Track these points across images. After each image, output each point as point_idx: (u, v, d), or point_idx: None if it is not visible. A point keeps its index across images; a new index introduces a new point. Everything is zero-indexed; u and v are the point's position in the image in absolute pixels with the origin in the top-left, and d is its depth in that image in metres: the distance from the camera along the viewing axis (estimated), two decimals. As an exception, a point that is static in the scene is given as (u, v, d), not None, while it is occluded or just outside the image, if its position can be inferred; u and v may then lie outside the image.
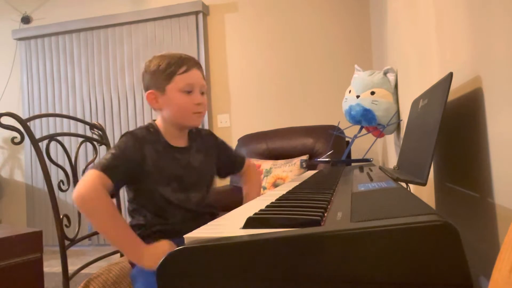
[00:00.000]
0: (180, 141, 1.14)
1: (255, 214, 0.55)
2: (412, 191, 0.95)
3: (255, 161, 2.54)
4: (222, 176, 1.31)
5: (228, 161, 1.29)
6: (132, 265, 1.08)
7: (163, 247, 0.95)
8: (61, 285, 1.19)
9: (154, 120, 1.16)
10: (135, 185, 1.09)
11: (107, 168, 0.98)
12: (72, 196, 0.96)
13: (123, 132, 3.76)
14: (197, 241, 0.48)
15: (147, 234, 1.07)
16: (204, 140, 1.21)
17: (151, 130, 1.11)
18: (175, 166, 1.10)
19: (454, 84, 0.77)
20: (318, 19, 3.16)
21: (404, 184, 0.97)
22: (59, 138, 1.34)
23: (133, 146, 1.05)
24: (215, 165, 1.24)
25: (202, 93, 1.12)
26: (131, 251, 0.97)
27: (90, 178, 0.97)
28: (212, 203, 1.21)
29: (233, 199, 1.26)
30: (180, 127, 1.13)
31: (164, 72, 1.08)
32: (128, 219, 1.15)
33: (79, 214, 1.34)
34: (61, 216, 1.21)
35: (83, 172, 1.43)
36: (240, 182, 1.36)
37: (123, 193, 1.18)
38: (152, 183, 1.07)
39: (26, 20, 3.74)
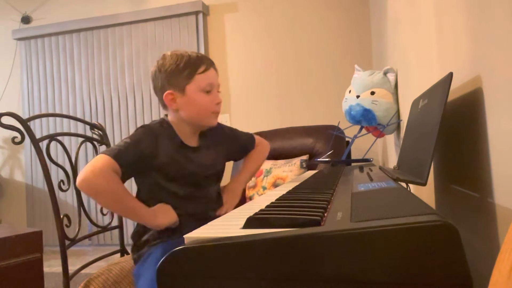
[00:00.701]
0: (192, 141, 1.15)
1: (255, 214, 0.55)
2: (412, 191, 0.95)
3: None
4: (237, 160, 1.38)
5: (240, 147, 1.32)
6: (135, 262, 1.08)
7: (165, 206, 1.06)
8: (61, 285, 1.19)
9: (166, 115, 1.15)
10: (143, 178, 1.10)
11: (118, 154, 0.98)
12: (77, 180, 0.96)
13: (123, 132, 3.76)
14: (197, 241, 0.48)
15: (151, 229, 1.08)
16: (212, 136, 1.21)
17: (164, 126, 1.11)
18: (188, 165, 1.11)
19: (454, 84, 0.77)
20: (318, 19, 3.16)
21: (404, 184, 0.97)
22: (59, 138, 1.34)
23: (148, 139, 1.05)
24: (228, 155, 1.27)
25: (218, 92, 1.13)
26: (144, 219, 1.03)
27: (98, 163, 0.96)
28: (220, 196, 1.23)
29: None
30: (196, 127, 1.13)
31: (184, 72, 1.06)
32: None
33: (79, 214, 1.34)
34: (61, 216, 1.21)
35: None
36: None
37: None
38: (162, 178, 1.07)
39: (26, 20, 3.74)
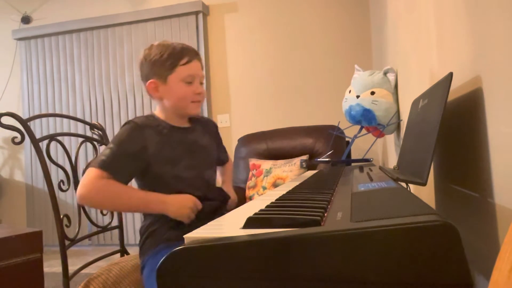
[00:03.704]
0: (182, 124, 1.18)
1: (255, 214, 0.55)
2: (412, 191, 0.95)
3: (255, 161, 2.54)
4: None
5: (220, 153, 1.35)
6: (142, 253, 1.08)
7: (186, 199, 1.03)
8: (61, 285, 1.19)
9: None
10: (144, 174, 1.09)
11: (105, 165, 1.00)
12: (76, 197, 1.00)
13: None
14: (197, 241, 0.48)
15: (163, 223, 1.07)
16: (206, 125, 1.26)
17: (150, 118, 1.14)
18: (183, 144, 1.13)
19: (454, 84, 0.77)
20: (318, 19, 3.16)
21: (404, 184, 0.97)
22: (59, 138, 1.34)
23: (132, 134, 1.06)
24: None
25: (201, 83, 1.16)
26: (154, 209, 1.04)
27: (88, 178, 0.99)
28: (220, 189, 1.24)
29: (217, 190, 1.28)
30: (180, 115, 1.17)
31: (166, 62, 1.09)
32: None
33: (79, 214, 1.34)
34: (61, 216, 1.21)
35: (83, 172, 1.43)
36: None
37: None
38: (160, 166, 1.08)
39: (26, 20, 3.74)
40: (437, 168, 1.03)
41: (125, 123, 1.10)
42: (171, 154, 1.09)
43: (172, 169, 1.09)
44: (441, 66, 0.95)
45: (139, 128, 1.07)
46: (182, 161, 1.10)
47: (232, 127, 3.30)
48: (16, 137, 1.14)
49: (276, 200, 0.71)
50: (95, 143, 1.50)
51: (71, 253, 1.21)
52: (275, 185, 2.34)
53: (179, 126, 1.15)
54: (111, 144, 1.05)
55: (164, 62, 1.09)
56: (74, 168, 1.36)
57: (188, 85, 1.11)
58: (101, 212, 1.46)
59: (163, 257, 0.47)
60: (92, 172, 0.99)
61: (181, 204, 1.02)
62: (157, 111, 1.17)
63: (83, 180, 0.99)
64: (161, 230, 1.06)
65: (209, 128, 1.27)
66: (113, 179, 1.00)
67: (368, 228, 0.42)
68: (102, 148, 1.55)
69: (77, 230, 1.31)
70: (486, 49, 0.64)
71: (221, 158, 1.37)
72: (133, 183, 1.12)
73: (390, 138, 2.12)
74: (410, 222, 0.41)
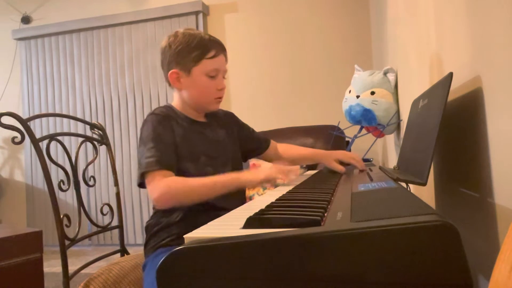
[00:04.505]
0: (199, 118, 1.15)
1: (255, 214, 0.56)
2: (412, 191, 0.95)
3: (255, 161, 2.54)
4: (245, 157, 1.29)
5: (251, 139, 1.29)
6: (147, 253, 1.07)
7: (264, 167, 0.98)
8: (61, 285, 1.19)
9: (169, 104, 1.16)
10: None
11: (160, 163, 0.97)
12: (156, 205, 0.98)
13: (123, 132, 3.74)
14: (197, 241, 0.48)
15: (177, 220, 1.03)
16: (223, 119, 1.22)
17: (169, 109, 1.11)
18: (202, 140, 1.10)
19: (454, 84, 0.77)
20: (318, 19, 3.16)
21: (404, 184, 0.97)
22: (59, 138, 1.34)
23: (162, 124, 1.03)
24: (239, 140, 1.24)
25: (223, 78, 1.13)
26: (236, 184, 0.99)
27: (152, 183, 0.96)
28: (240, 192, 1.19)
29: (236, 199, 1.24)
30: (198, 108, 1.14)
31: (192, 53, 1.06)
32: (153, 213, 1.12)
33: (79, 214, 1.34)
34: (61, 216, 1.20)
35: (83, 172, 1.43)
36: (272, 159, 1.34)
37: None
38: (183, 161, 1.04)
39: (26, 20, 3.73)
40: (437, 168, 1.03)
41: (147, 118, 1.06)
42: (190, 151, 1.06)
43: (192, 166, 1.05)
44: (441, 66, 0.95)
45: (164, 119, 1.05)
46: (200, 159, 1.07)
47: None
48: (16, 137, 1.14)
49: (276, 200, 0.71)
50: (95, 143, 1.50)
51: (71, 253, 1.21)
52: (275, 185, 2.34)
53: (197, 120, 1.13)
54: (147, 143, 1.00)
55: (189, 53, 1.06)
56: (74, 168, 1.36)
57: (211, 79, 1.08)
58: (101, 212, 1.46)
59: (164, 257, 0.47)
60: (156, 175, 0.96)
61: (257, 170, 0.99)
62: (175, 102, 1.14)
63: (150, 188, 0.96)
64: (164, 230, 1.06)
65: (226, 121, 1.22)
66: (172, 173, 0.97)
67: (368, 228, 0.42)
68: (102, 148, 1.56)
69: (77, 230, 1.31)
70: (486, 49, 0.64)
71: (258, 146, 1.29)
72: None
73: (390, 138, 2.12)
74: (410, 222, 0.41)
